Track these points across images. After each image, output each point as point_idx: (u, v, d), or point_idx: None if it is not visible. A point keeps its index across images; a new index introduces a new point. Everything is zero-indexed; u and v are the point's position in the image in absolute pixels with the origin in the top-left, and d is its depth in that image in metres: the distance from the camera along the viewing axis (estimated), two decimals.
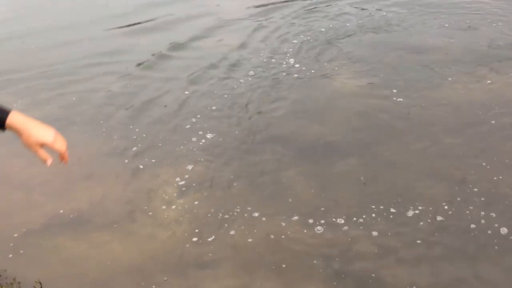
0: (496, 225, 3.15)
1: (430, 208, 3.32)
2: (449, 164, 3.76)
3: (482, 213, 3.25)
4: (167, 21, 7.15)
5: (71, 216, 3.50)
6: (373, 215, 3.30)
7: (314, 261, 3.00)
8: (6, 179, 3.95)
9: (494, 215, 3.23)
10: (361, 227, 3.22)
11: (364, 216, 3.30)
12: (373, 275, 2.88)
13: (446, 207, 3.32)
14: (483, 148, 3.89)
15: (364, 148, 4.01)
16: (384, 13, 6.78)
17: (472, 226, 3.15)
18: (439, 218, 3.24)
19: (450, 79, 4.93)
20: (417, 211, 3.30)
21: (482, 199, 3.36)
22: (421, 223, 3.20)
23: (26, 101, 5.06)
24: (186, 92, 5.03)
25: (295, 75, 5.23)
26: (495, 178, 3.54)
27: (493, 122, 4.19)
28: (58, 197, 3.70)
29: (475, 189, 3.45)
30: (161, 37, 6.54)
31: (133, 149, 4.19)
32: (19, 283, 2.94)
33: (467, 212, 3.27)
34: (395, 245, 3.07)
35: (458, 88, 4.77)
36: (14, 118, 1.70)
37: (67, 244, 3.28)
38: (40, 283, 2.91)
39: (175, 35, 6.58)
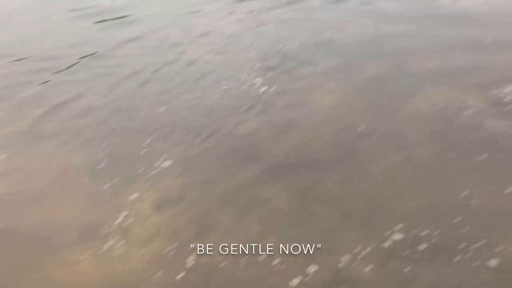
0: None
1: (410, 227, 3.28)
2: (427, 178, 3.72)
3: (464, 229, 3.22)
4: None
5: (38, 235, 3.38)
6: (352, 235, 3.24)
7: (293, 280, 2.93)
8: None
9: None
10: (337, 247, 3.16)
11: (341, 236, 3.24)
12: None
13: (427, 225, 3.27)
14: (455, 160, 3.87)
15: (341, 164, 3.94)
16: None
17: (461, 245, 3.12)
18: (422, 234, 3.20)
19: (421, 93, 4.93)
20: (396, 230, 3.24)
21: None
22: (401, 243, 3.15)
23: None
24: (159, 110, 4.92)
25: (265, 90, 5.17)
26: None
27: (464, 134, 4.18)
28: (24, 215, 3.60)
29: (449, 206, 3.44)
30: None
31: (101, 164, 4.09)
32: None
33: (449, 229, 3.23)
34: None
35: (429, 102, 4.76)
36: None
37: (34, 264, 3.14)
38: None
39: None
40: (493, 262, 2.97)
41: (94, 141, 4.42)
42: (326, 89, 5.06)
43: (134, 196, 3.70)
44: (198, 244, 3.21)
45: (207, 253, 3.16)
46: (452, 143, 4.04)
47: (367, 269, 2.99)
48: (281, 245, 3.16)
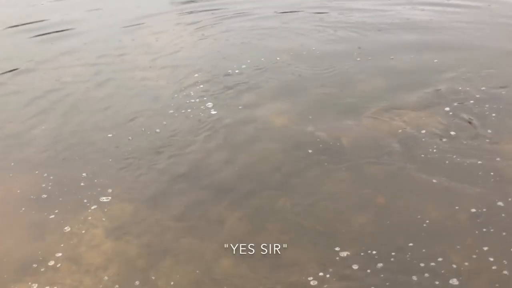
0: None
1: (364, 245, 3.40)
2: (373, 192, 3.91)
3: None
4: None
5: None
6: (306, 251, 3.39)
7: None
8: None
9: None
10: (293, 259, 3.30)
11: (295, 252, 3.38)
12: None
13: (382, 243, 3.40)
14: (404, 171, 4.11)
15: (289, 182, 4.08)
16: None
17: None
18: (377, 252, 3.31)
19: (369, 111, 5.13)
20: (347, 251, 3.35)
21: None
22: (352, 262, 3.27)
23: None
24: (110, 135, 4.86)
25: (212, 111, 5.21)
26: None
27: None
28: None
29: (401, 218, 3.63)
30: None
31: (45, 193, 4.03)
32: None
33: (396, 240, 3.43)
34: None
35: (375, 120, 4.96)
36: None
37: None
38: None
39: None
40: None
41: (37, 168, 4.35)
42: (275, 109, 5.22)
43: (83, 224, 3.67)
44: (152, 270, 3.25)
45: (162, 279, 3.19)
46: (401, 162, 4.22)
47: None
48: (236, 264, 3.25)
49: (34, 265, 3.31)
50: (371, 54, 6.48)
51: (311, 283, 3.11)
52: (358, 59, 6.35)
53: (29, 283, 3.17)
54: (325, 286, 3.09)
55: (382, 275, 3.14)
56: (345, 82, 5.77)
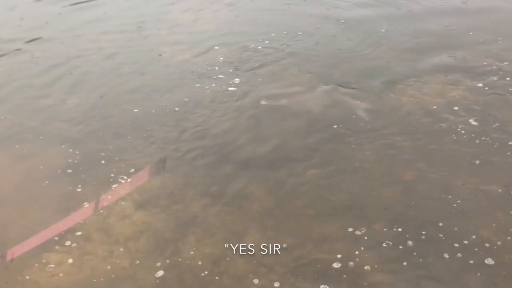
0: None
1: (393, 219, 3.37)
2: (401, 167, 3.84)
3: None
4: None
5: (17, 237, 3.38)
6: (333, 226, 3.37)
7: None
8: None
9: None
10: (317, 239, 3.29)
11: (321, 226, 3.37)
12: None
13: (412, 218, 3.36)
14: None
15: (316, 156, 4.04)
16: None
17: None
18: (407, 227, 3.28)
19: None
20: (376, 227, 3.31)
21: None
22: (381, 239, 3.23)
23: None
24: (136, 110, 4.88)
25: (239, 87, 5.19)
26: None
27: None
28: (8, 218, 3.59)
29: None
30: None
31: (75, 166, 4.08)
32: None
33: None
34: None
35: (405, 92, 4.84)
36: None
37: (17, 265, 3.15)
38: None
39: None
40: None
41: (65, 142, 4.41)
42: (300, 82, 5.14)
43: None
44: (180, 242, 3.29)
45: (190, 251, 3.22)
46: (430, 136, 4.14)
47: (359, 260, 3.09)
48: (262, 244, 3.23)
49: (65, 236, 3.38)
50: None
51: (338, 256, 3.10)
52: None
53: (61, 253, 3.24)
54: (351, 263, 3.06)
55: (414, 253, 3.09)
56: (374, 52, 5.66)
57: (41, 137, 4.50)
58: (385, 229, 3.28)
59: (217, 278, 3.03)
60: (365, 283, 2.94)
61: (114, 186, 3.81)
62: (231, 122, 4.55)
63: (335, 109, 4.64)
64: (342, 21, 6.48)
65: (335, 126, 4.34)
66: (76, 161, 4.14)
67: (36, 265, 3.16)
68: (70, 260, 3.19)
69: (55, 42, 6.41)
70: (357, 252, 3.12)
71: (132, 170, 3.97)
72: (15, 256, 3.25)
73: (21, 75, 5.64)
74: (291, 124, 4.49)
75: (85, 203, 3.66)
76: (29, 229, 3.45)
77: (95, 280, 3.05)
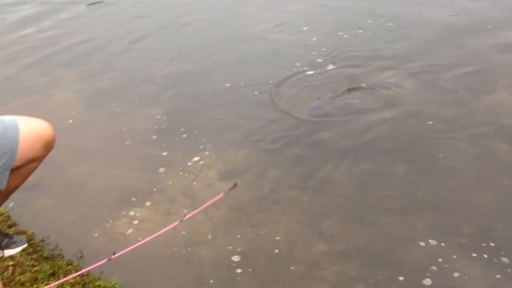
0: None
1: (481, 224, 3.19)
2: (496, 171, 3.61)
3: None
4: None
5: (110, 197, 3.55)
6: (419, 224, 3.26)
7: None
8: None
9: None
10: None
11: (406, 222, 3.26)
12: None
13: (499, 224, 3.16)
14: None
15: (406, 151, 3.91)
16: None
17: None
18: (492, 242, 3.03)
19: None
20: (465, 235, 3.12)
21: None
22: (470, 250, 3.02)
23: None
24: (227, 84, 5.00)
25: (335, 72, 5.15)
26: None
27: None
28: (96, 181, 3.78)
29: None
30: None
31: (164, 130, 4.23)
32: (60, 249, 3.01)
33: None
34: None
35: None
36: None
37: (105, 218, 3.34)
38: (81, 252, 2.98)
39: None
40: None
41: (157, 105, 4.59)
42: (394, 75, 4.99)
43: (198, 163, 3.84)
44: (260, 217, 3.33)
45: (268, 227, 3.25)
46: None
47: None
48: (340, 231, 3.19)
49: (152, 195, 3.53)
50: None
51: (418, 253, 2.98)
52: None
53: (148, 211, 3.40)
54: (434, 267, 2.91)
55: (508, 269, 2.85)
56: None
57: (136, 99, 4.73)
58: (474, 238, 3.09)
59: (291, 258, 3.02)
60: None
61: (198, 155, 3.92)
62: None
63: (431, 106, 4.45)
64: None
65: (430, 123, 4.17)
66: (163, 127, 4.30)
67: (123, 218, 3.33)
68: (156, 219, 3.33)
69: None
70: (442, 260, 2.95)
71: (217, 142, 4.06)
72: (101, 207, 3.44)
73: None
74: (382, 115, 4.37)
75: (170, 167, 3.79)
76: (111, 184, 3.65)
77: (175, 241, 3.16)
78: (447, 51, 5.40)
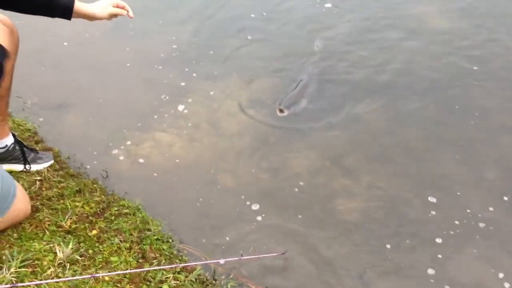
0: None
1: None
2: None
3: None
4: None
5: (135, 120, 3.54)
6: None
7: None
8: None
9: None
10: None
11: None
12: None
13: None
14: None
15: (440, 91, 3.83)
16: None
17: None
18: None
19: None
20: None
21: None
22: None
23: None
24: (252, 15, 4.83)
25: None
26: None
27: None
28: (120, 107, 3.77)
29: None
30: None
31: (190, 58, 4.14)
32: (86, 168, 3.07)
33: None
34: None
35: None
36: (79, 6, 2.20)
37: (132, 140, 3.36)
38: (106, 171, 3.03)
39: None
40: None
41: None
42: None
43: (221, 93, 3.80)
44: (282, 147, 3.34)
45: (290, 160, 3.26)
46: None
47: None
48: (361, 169, 3.20)
49: (177, 121, 3.52)
50: None
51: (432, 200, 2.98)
52: None
53: (172, 136, 3.40)
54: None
55: None
56: None
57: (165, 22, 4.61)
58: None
59: (309, 188, 3.06)
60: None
61: (225, 83, 3.88)
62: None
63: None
64: None
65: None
66: (195, 52, 4.22)
67: (147, 142, 3.35)
68: (180, 144, 3.34)
69: None
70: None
71: (247, 71, 4.02)
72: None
73: None
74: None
75: (194, 94, 3.76)
76: (136, 107, 3.63)
77: (199, 167, 3.19)
78: None
